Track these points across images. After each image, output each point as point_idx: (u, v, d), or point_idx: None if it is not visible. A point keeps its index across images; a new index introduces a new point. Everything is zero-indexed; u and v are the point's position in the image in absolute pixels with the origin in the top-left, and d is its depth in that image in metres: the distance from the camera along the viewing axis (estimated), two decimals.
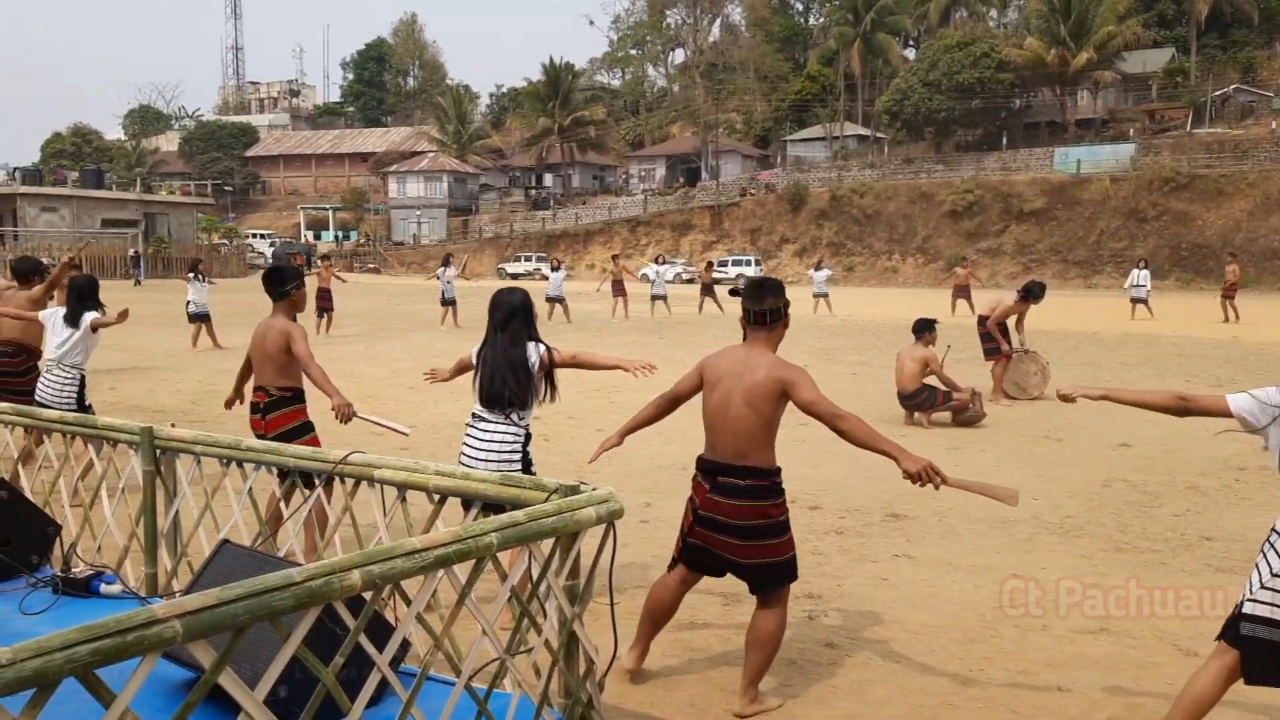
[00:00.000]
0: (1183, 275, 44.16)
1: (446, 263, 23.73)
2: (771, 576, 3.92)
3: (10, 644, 1.51)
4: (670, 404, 4.28)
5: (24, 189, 48.85)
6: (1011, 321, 12.52)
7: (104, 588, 3.32)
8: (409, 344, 18.73)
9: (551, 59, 69.27)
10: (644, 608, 4.20)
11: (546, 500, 2.63)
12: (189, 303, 18.45)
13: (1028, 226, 50.02)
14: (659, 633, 4.26)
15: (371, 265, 61.27)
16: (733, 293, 4.24)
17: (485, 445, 4.76)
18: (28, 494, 3.96)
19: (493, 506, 2.86)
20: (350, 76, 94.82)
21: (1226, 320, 24.31)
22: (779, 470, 3.96)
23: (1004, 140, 57.28)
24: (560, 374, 4.93)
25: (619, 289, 26.26)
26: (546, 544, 2.54)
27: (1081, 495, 7.55)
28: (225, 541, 2.99)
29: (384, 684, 2.18)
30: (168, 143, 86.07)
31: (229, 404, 6.27)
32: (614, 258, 31.51)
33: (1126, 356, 17.19)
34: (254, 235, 65.25)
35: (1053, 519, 6.84)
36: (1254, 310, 27.29)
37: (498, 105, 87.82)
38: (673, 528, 6.28)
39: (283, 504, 3.86)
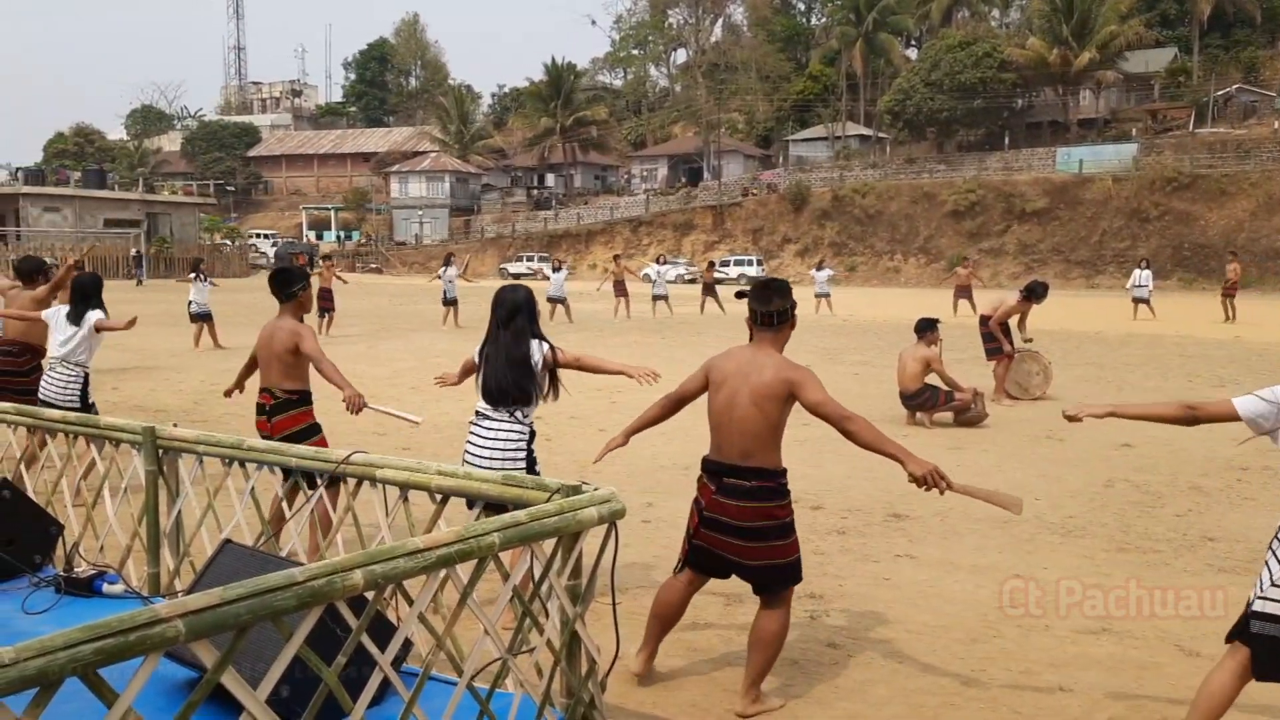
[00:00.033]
0: (1185, 275, 44.14)
1: (448, 262, 23.75)
2: (776, 578, 3.92)
3: (13, 643, 1.51)
4: (676, 404, 4.27)
5: (26, 189, 48.93)
6: (1014, 321, 12.51)
7: (106, 587, 3.33)
8: (411, 344, 18.75)
9: (553, 59, 69.41)
10: (651, 610, 4.19)
11: (548, 500, 2.63)
12: (191, 302, 18.50)
13: (1030, 226, 50.00)
14: (666, 635, 4.25)
15: (373, 265, 61.32)
16: (739, 295, 4.23)
17: (490, 443, 4.75)
18: (30, 494, 3.96)
19: (495, 506, 2.86)
20: (352, 76, 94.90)
21: (1227, 319, 24.36)
22: (785, 471, 3.95)
23: (1006, 140, 57.26)
24: (563, 374, 4.92)
25: (621, 289, 26.26)
26: (548, 544, 2.54)
27: (1083, 495, 7.55)
28: (227, 541, 2.99)
29: (386, 684, 2.19)
30: (170, 143, 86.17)
31: (228, 393, 6.28)
32: (615, 258, 31.53)
33: (1129, 357, 17.18)
34: (257, 235, 65.31)
35: (1055, 519, 6.83)
36: (1257, 310, 27.27)
37: (500, 105, 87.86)
38: (674, 527, 6.30)
39: (285, 504, 3.86)
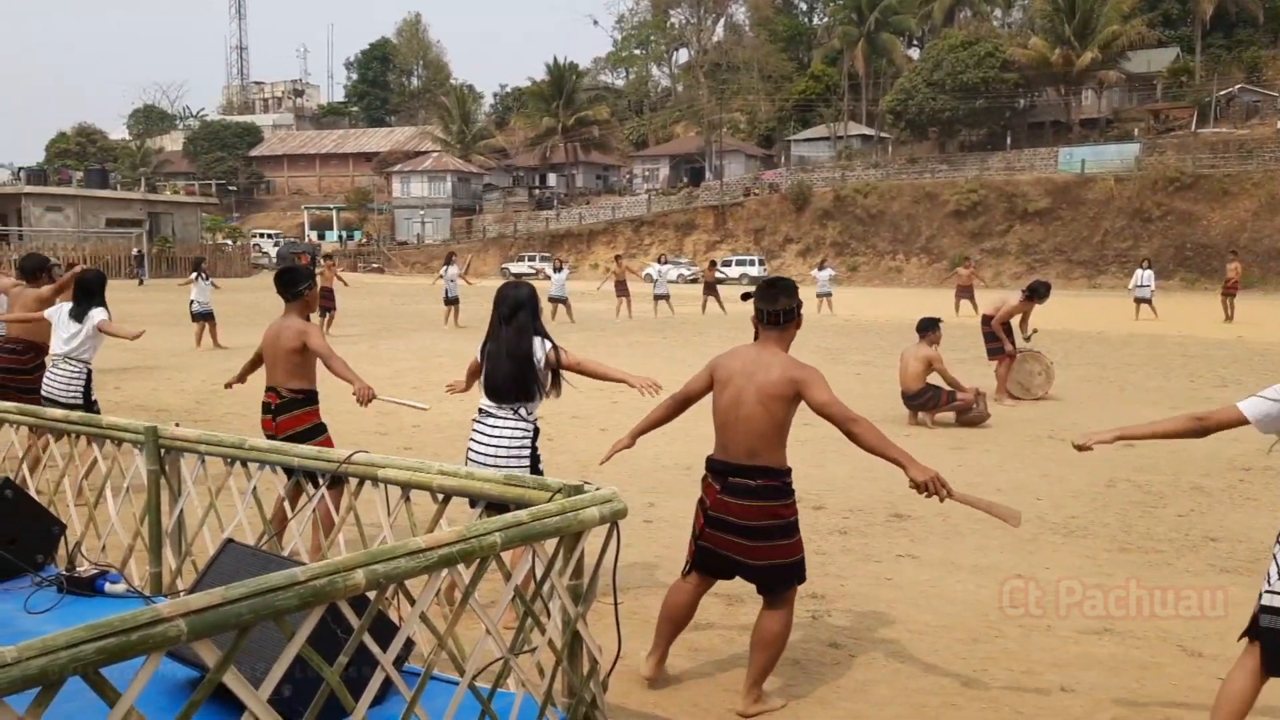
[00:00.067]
0: (1187, 275, 44.11)
1: (449, 261, 23.75)
2: (781, 578, 3.91)
3: (15, 643, 1.52)
4: (681, 404, 4.27)
5: (29, 189, 48.96)
6: (1016, 321, 12.50)
7: (109, 587, 3.33)
8: (412, 344, 18.75)
9: (555, 59, 69.38)
10: (660, 613, 4.17)
11: (550, 500, 2.63)
12: (192, 302, 18.52)
13: (1032, 226, 49.98)
14: (676, 637, 4.23)
15: (375, 265, 61.36)
16: (745, 297, 4.22)
17: (493, 441, 4.73)
18: (32, 493, 3.97)
19: (497, 506, 2.86)
20: (354, 76, 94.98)
21: (1226, 318, 24.40)
22: (790, 470, 3.95)
23: (1008, 140, 57.23)
24: (565, 373, 4.91)
25: (622, 289, 26.27)
26: (550, 543, 2.54)
27: (1085, 495, 7.54)
28: (229, 541, 2.99)
29: (388, 683, 2.19)
30: (172, 142, 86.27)
31: (229, 385, 6.28)
32: (617, 258, 31.55)
33: (1131, 357, 17.17)
34: (260, 235, 65.37)
35: (1056, 519, 6.83)
36: (1259, 310, 27.25)
37: (501, 105, 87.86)
38: (676, 527, 6.30)
39: (287, 505, 3.85)
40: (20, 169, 55.58)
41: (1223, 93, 55.16)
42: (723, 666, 4.37)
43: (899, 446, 3.82)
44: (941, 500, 3.72)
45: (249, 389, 6.35)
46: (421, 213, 67.72)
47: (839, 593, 5.33)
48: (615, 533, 2.67)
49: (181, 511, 3.75)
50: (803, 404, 3.90)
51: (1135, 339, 20.36)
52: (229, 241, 58.48)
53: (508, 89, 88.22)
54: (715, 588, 4.57)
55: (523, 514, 2.42)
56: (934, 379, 10.51)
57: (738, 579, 4.04)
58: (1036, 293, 12.34)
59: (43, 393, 7.09)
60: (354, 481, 3.27)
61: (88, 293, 7.15)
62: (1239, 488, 7.78)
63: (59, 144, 78.88)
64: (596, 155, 73.46)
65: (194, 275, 18.95)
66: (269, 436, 5.45)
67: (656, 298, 26.74)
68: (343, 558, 1.99)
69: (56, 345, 7.14)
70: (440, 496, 3.03)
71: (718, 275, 29.02)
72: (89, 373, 7.20)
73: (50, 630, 1.58)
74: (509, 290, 4.91)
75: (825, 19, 78.17)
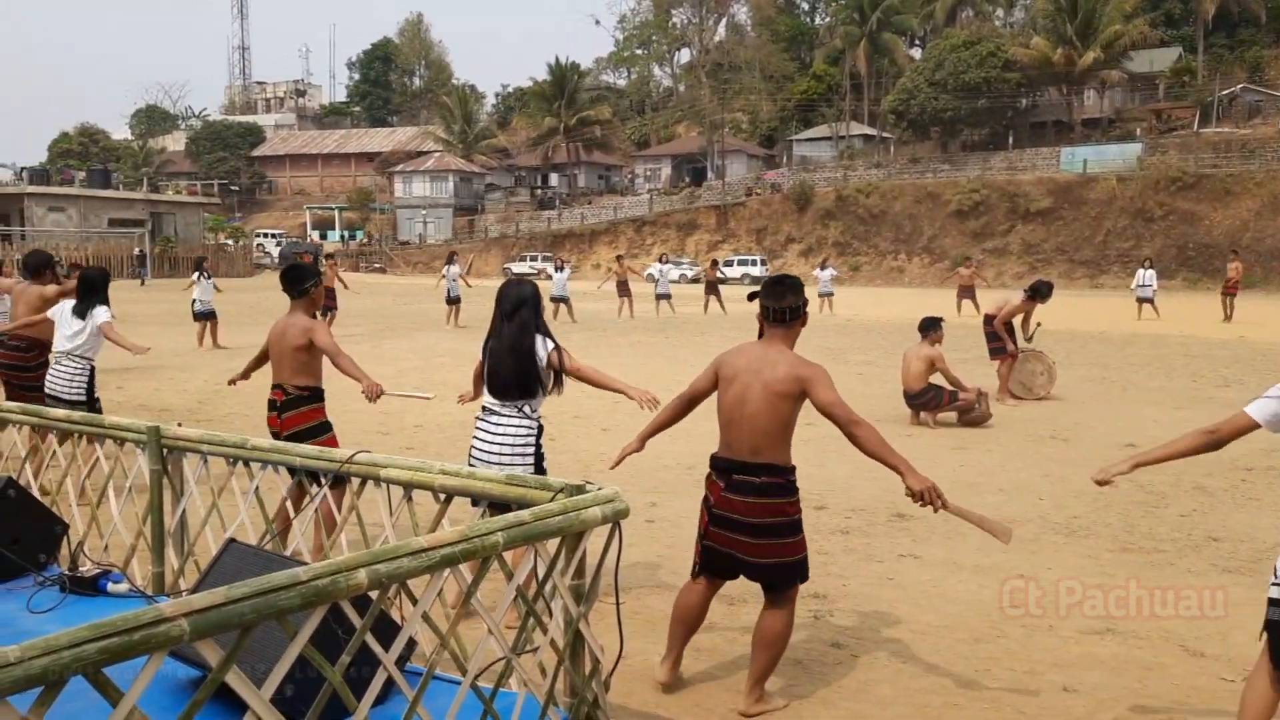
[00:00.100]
0: (1190, 275, 44.07)
1: (451, 260, 23.78)
2: (784, 576, 3.91)
3: (18, 642, 1.52)
4: (688, 404, 4.26)
5: (31, 189, 49.05)
6: (1018, 321, 12.50)
7: (111, 586, 3.34)
8: (415, 343, 18.77)
9: (557, 59, 69.37)
10: (673, 616, 4.15)
11: (552, 500, 2.63)
12: (194, 301, 18.55)
13: (1034, 226, 49.93)
14: (690, 639, 4.20)
15: (377, 265, 61.38)
16: (752, 297, 4.22)
17: (498, 440, 4.71)
18: (35, 493, 3.97)
19: (499, 506, 2.86)
20: (356, 76, 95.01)
21: (1225, 318, 24.40)
22: (794, 468, 3.95)
23: (1010, 140, 57.18)
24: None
25: (624, 289, 26.29)
26: (552, 543, 2.54)
27: (1087, 495, 7.53)
28: (232, 540, 2.99)
29: (390, 683, 2.19)
30: (174, 142, 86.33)
31: (233, 381, 6.29)
32: (618, 258, 31.56)
33: (1133, 357, 17.16)
34: (264, 235, 65.43)
35: (1058, 519, 6.83)
36: (1261, 310, 27.23)
37: (503, 105, 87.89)
38: (678, 527, 6.30)
39: (290, 507, 3.85)
40: (23, 169, 55.68)
41: (1225, 92, 55.08)
42: (725, 666, 4.37)
43: (899, 454, 3.83)
44: (935, 510, 3.76)
45: (252, 389, 6.36)
46: (424, 213, 67.75)
47: (841, 593, 5.33)
48: (617, 532, 2.67)
49: (184, 511, 3.75)
50: (806, 403, 3.90)
51: (1137, 339, 20.35)
52: (231, 241, 58.52)
53: (510, 89, 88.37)
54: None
55: (525, 514, 2.42)
56: (936, 379, 10.50)
57: (741, 579, 4.03)
58: (1039, 292, 12.33)
59: (46, 389, 7.09)
60: (356, 481, 3.27)
61: (91, 289, 7.15)
62: (1241, 488, 7.77)
63: (61, 144, 78.99)
64: (598, 155, 73.45)
65: (196, 275, 18.98)
66: (274, 433, 5.46)
67: (658, 297, 26.78)
68: (345, 557, 2.00)
69: (60, 342, 7.14)
70: (442, 496, 3.04)
71: (719, 275, 29.05)
72: (92, 369, 7.20)
73: (53, 630, 1.58)
74: (511, 287, 4.90)
75: (827, 19, 78.19)
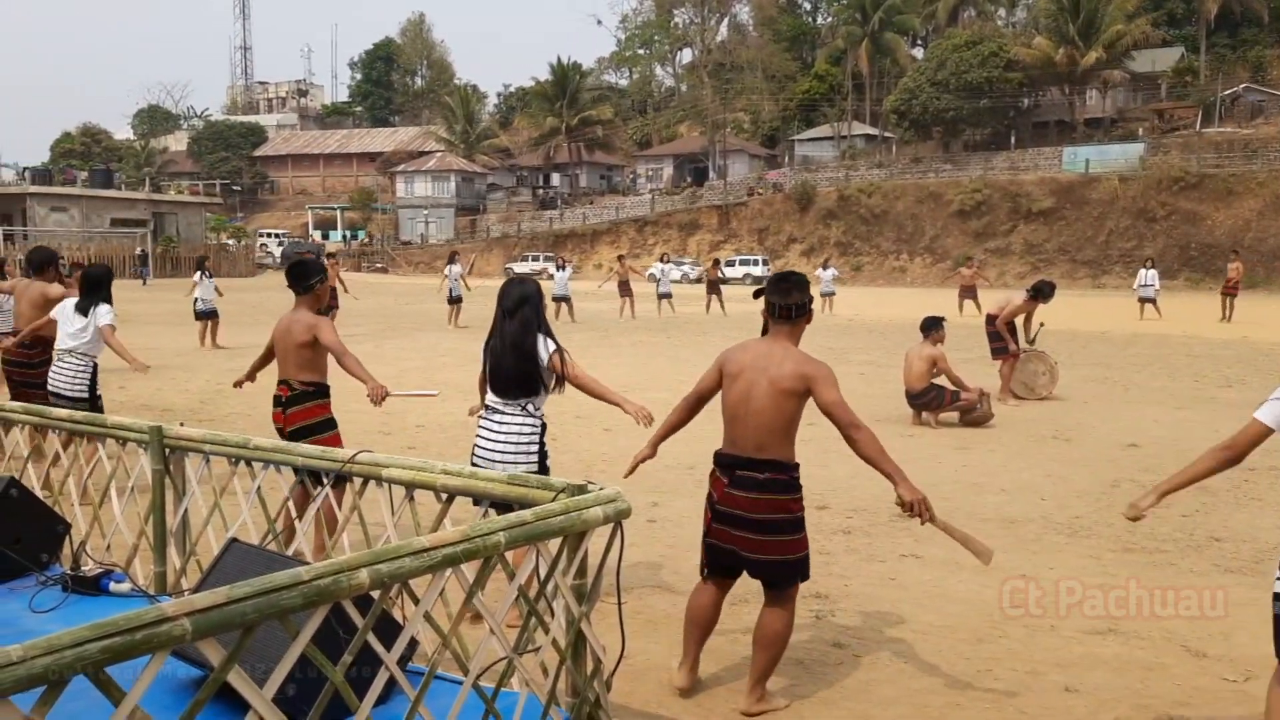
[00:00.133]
0: (1192, 275, 44.03)
1: (452, 260, 23.80)
2: (785, 573, 3.91)
3: (20, 641, 1.52)
4: (696, 404, 4.25)
5: (34, 188, 49.13)
6: (1020, 321, 12.49)
7: (113, 586, 3.34)
8: (417, 343, 18.77)
9: (559, 59, 69.41)
10: (686, 619, 4.13)
11: (554, 500, 2.63)
12: (196, 300, 18.57)
13: (1036, 226, 49.90)
14: (705, 642, 4.18)
15: (379, 265, 61.41)
16: (757, 294, 4.22)
17: (501, 438, 4.70)
18: (37, 492, 3.97)
19: (501, 505, 2.86)
20: (358, 76, 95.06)
21: (1224, 317, 24.39)
22: (798, 465, 3.95)
23: (1012, 140, 57.17)
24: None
25: (625, 289, 26.30)
26: (554, 543, 2.54)
27: (1089, 495, 7.53)
28: (234, 540, 2.99)
29: (392, 682, 2.19)
30: (176, 142, 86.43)
31: (238, 384, 6.28)
32: (620, 258, 31.56)
33: (1135, 357, 17.14)
34: (266, 235, 65.48)
35: (1061, 519, 6.82)
36: (1263, 310, 27.20)
37: (505, 105, 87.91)
38: (680, 527, 6.30)
39: (292, 508, 3.84)
40: (25, 169, 55.76)
41: (1227, 92, 55.04)
42: (726, 666, 4.36)
43: (894, 462, 3.84)
44: (923, 523, 3.79)
45: (255, 388, 6.35)
46: (425, 212, 67.78)
47: (843, 592, 5.32)
48: (619, 532, 2.67)
49: (186, 511, 3.75)
50: (809, 401, 3.91)
51: (1140, 339, 20.33)
52: (233, 241, 58.56)
53: (511, 89, 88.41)
54: None
55: (527, 513, 2.43)
56: (939, 379, 10.50)
57: (745, 579, 4.03)
58: (1041, 292, 12.32)
59: (48, 386, 7.10)
60: (358, 481, 3.27)
61: (94, 286, 7.15)
62: (1243, 488, 7.76)
63: (64, 144, 79.08)
64: (600, 155, 73.46)
65: (198, 275, 19.00)
66: (279, 429, 5.46)
67: (659, 297, 26.80)
68: (347, 557, 2.00)
69: (63, 339, 7.14)
70: (444, 496, 3.04)
71: (720, 274, 29.07)
72: (95, 367, 7.20)
73: (55, 629, 1.59)
74: (513, 285, 4.89)
75: (829, 19, 78.14)
